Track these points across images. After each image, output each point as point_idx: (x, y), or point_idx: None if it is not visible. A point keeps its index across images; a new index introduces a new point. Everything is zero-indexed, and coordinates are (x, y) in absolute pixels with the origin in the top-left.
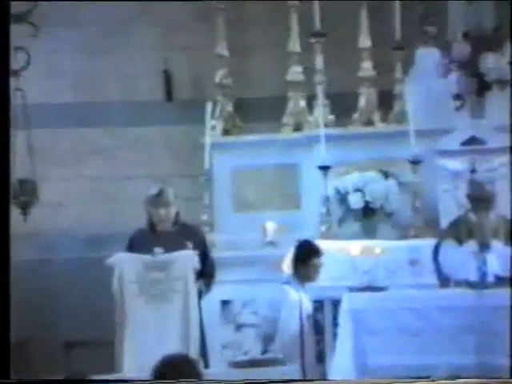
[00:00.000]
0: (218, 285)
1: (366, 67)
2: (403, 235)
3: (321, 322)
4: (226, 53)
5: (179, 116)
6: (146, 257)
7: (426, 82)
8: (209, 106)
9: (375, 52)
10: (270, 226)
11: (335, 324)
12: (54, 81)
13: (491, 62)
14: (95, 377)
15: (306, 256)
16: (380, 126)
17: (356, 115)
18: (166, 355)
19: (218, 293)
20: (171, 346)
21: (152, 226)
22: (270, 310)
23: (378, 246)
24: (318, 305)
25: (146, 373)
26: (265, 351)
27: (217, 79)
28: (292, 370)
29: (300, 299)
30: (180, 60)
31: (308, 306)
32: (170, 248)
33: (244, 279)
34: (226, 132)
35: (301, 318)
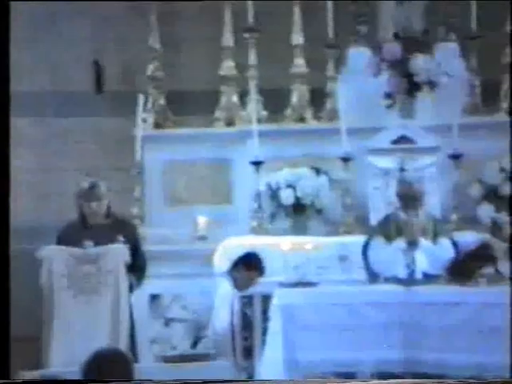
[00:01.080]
0: (148, 279)
1: (299, 64)
2: (333, 232)
3: (249, 317)
4: (158, 46)
5: (110, 108)
6: (77, 250)
7: (358, 80)
8: (140, 99)
9: (308, 49)
10: (202, 220)
11: (265, 319)
12: None
13: (421, 63)
14: (19, 374)
15: (251, 269)
16: (312, 123)
17: (288, 111)
18: (97, 350)
19: (147, 287)
20: (101, 340)
21: (83, 219)
22: (200, 304)
23: (308, 242)
24: (247, 300)
25: (74, 367)
26: (194, 346)
27: (149, 72)
28: (222, 366)
29: (232, 292)
30: (111, 51)
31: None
32: (101, 241)
33: (174, 273)
34: (157, 125)
35: (232, 312)
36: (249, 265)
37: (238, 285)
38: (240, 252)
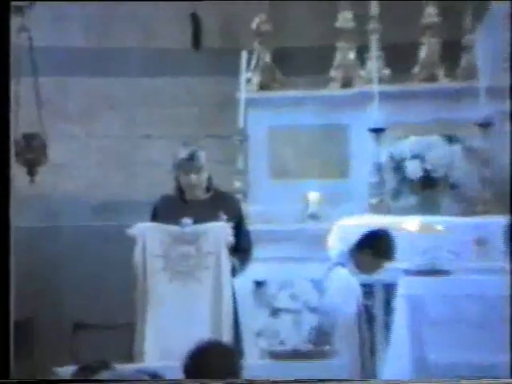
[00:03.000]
0: (253, 263)
1: (430, 13)
2: (469, 210)
3: (370, 309)
4: None
5: (208, 67)
6: (174, 228)
7: (502, 32)
8: (244, 56)
9: None
10: (313, 196)
11: (388, 312)
12: (63, 22)
13: None
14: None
15: (380, 251)
16: (444, 83)
17: (416, 69)
18: (199, 343)
19: (251, 272)
20: (200, 331)
21: (181, 193)
22: (311, 293)
23: (439, 222)
24: (368, 289)
25: (171, 362)
26: (306, 341)
27: (254, 25)
28: (339, 364)
29: (357, 284)
30: (210, 2)
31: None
32: (200, 218)
33: (281, 257)
34: (263, 86)
35: (358, 306)
36: (377, 245)
37: (362, 269)
38: (364, 230)
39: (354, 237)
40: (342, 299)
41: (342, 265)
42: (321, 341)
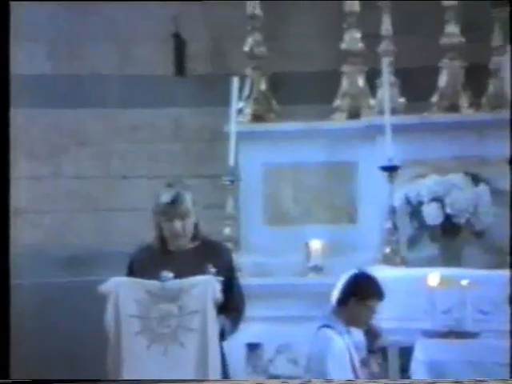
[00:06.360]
0: (245, 323)
1: (451, 32)
2: (500, 262)
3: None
4: (259, 12)
5: (194, 96)
6: (153, 283)
7: None
8: (235, 83)
9: (464, 10)
10: (315, 244)
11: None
12: (26, 43)
13: None
14: None
15: (363, 294)
16: (468, 113)
17: (435, 98)
18: None
19: (244, 333)
20: None
21: (162, 242)
22: (313, 357)
23: (463, 276)
24: (379, 353)
25: None
26: None
27: (246, 47)
28: None
29: (347, 346)
30: (196, 20)
31: (358, 352)
32: (185, 272)
33: (278, 316)
34: (257, 118)
35: (354, 371)
36: (365, 289)
37: (356, 319)
38: (343, 280)
39: (337, 290)
40: (333, 368)
41: (327, 326)
42: None
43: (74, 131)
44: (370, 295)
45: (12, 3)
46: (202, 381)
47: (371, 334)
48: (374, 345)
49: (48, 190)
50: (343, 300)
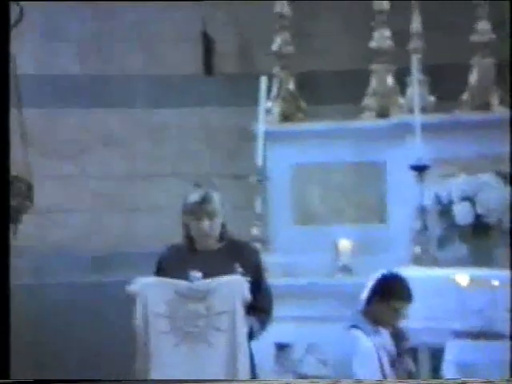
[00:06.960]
0: (274, 323)
1: (482, 29)
2: None
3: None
4: (287, 11)
5: (222, 95)
6: (181, 283)
7: None
8: (263, 83)
9: (495, 7)
10: (344, 244)
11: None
12: (54, 44)
13: None
14: None
15: (392, 295)
16: (499, 111)
17: (465, 96)
18: None
19: (271, 334)
20: None
21: (190, 242)
22: (342, 357)
23: (494, 276)
24: (410, 354)
25: None
26: None
27: (274, 46)
28: None
29: (376, 347)
30: (224, 20)
31: (387, 352)
32: (212, 272)
33: (307, 316)
34: (285, 117)
35: (383, 371)
36: (394, 291)
37: (384, 320)
38: (372, 280)
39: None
40: (359, 368)
41: (356, 326)
42: None
43: (102, 131)
44: (395, 296)
45: (39, 4)
46: (231, 381)
47: (397, 336)
48: (401, 347)
49: (74, 189)
50: (369, 300)
